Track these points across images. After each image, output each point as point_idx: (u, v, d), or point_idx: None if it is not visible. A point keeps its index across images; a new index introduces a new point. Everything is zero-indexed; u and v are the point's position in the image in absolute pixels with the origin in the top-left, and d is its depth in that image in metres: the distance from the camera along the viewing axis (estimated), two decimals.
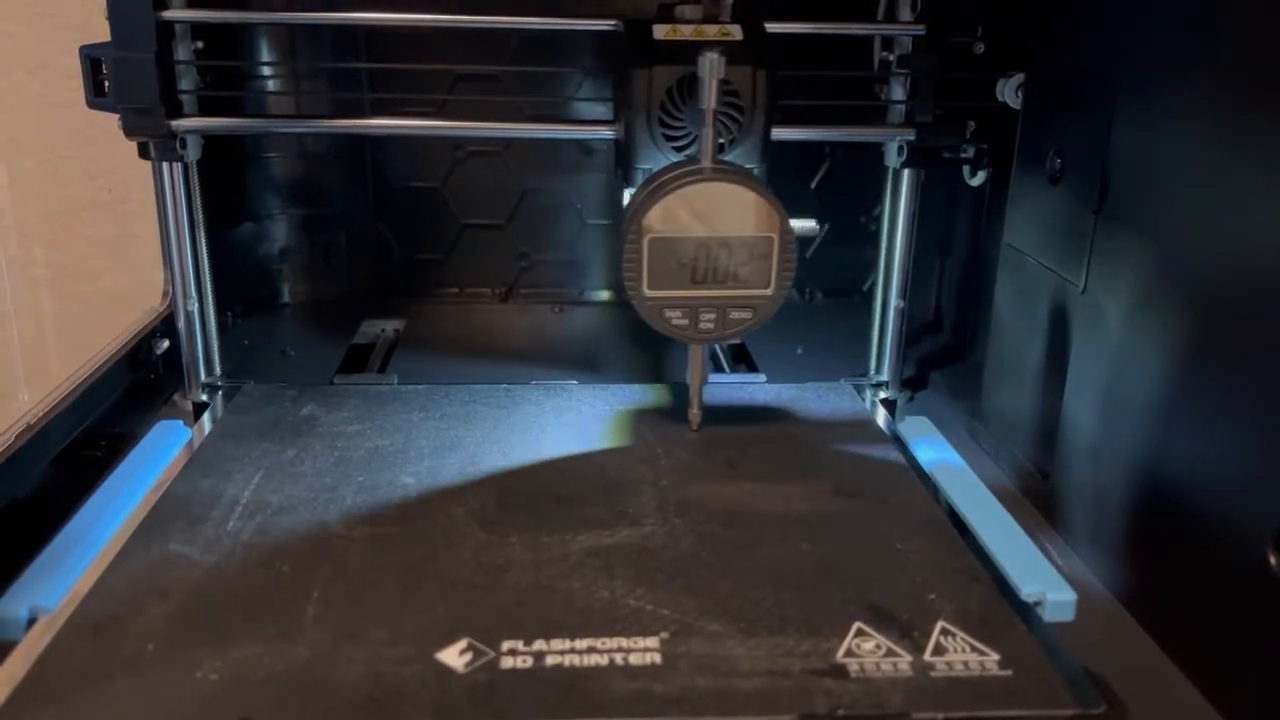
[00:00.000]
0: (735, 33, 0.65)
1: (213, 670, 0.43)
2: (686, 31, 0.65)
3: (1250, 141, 0.47)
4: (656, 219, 0.59)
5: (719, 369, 0.85)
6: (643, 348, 0.88)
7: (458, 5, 0.70)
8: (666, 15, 0.67)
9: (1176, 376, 0.52)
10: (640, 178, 0.64)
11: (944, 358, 0.88)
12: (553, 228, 0.99)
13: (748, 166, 0.64)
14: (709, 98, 0.59)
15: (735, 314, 0.62)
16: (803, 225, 0.63)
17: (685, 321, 0.62)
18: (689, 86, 0.63)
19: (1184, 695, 0.48)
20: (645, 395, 0.72)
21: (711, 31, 0.65)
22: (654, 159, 0.64)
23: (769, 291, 0.61)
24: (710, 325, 0.62)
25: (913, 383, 0.83)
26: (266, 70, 0.92)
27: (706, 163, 0.60)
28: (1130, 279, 0.57)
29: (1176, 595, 0.52)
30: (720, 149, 0.64)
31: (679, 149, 0.64)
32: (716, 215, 0.59)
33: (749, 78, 0.63)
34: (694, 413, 0.66)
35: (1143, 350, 0.55)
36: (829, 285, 1.02)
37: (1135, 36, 0.57)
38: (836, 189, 0.98)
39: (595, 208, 0.99)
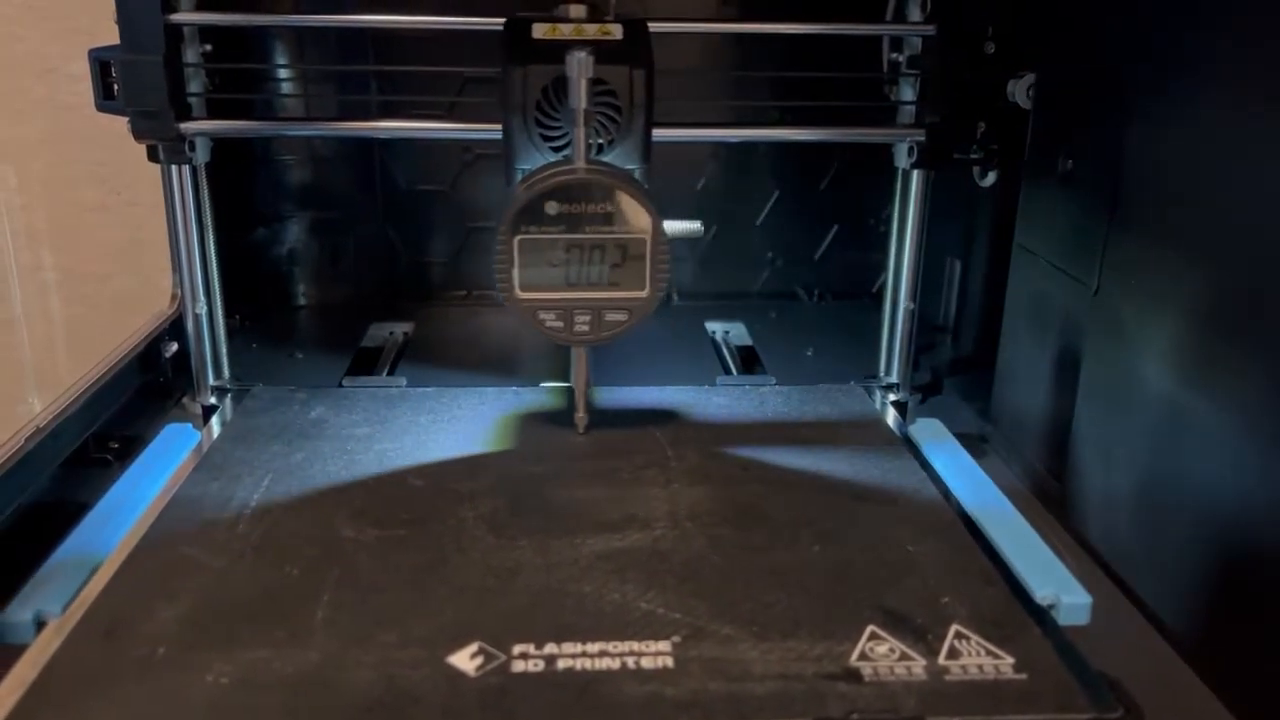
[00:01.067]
0: (616, 32, 0.64)
1: (223, 673, 0.42)
2: (566, 30, 0.64)
3: (1265, 141, 0.47)
4: (525, 219, 0.59)
5: (727, 371, 0.85)
6: (651, 351, 0.88)
7: (465, 7, 0.70)
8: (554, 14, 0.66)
9: (1190, 378, 0.52)
10: (519, 178, 0.64)
11: (955, 360, 0.87)
12: None
13: (628, 167, 0.63)
14: (578, 97, 0.58)
15: (611, 316, 0.61)
16: (684, 226, 0.63)
17: (560, 324, 0.61)
18: (565, 86, 0.62)
19: (1200, 699, 0.48)
20: (654, 398, 0.72)
21: (592, 31, 0.64)
22: (532, 159, 0.64)
23: (644, 293, 0.61)
24: (585, 327, 0.61)
25: (927, 388, 0.83)
26: (275, 73, 0.92)
27: (580, 163, 0.60)
28: (1143, 280, 0.57)
29: (1191, 598, 0.51)
30: (598, 149, 0.63)
31: (557, 149, 0.63)
32: (588, 216, 0.59)
33: (626, 77, 0.63)
34: (580, 416, 0.65)
35: (1156, 352, 0.55)
36: (839, 287, 1.02)
37: (1147, 35, 0.57)
38: (846, 190, 0.98)
39: None
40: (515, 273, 0.60)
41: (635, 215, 0.59)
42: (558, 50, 0.60)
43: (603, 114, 0.63)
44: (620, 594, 0.48)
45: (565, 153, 0.63)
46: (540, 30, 0.64)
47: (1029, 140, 0.71)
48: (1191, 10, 0.53)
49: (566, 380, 0.75)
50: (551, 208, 0.59)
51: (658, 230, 0.60)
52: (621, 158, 0.64)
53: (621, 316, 0.61)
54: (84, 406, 0.68)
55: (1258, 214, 0.47)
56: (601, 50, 0.61)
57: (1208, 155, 0.51)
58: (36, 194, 0.98)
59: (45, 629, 0.46)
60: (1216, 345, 0.50)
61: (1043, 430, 0.68)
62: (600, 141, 0.64)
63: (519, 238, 0.59)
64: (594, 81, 0.60)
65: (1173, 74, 0.55)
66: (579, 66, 0.58)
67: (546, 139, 0.63)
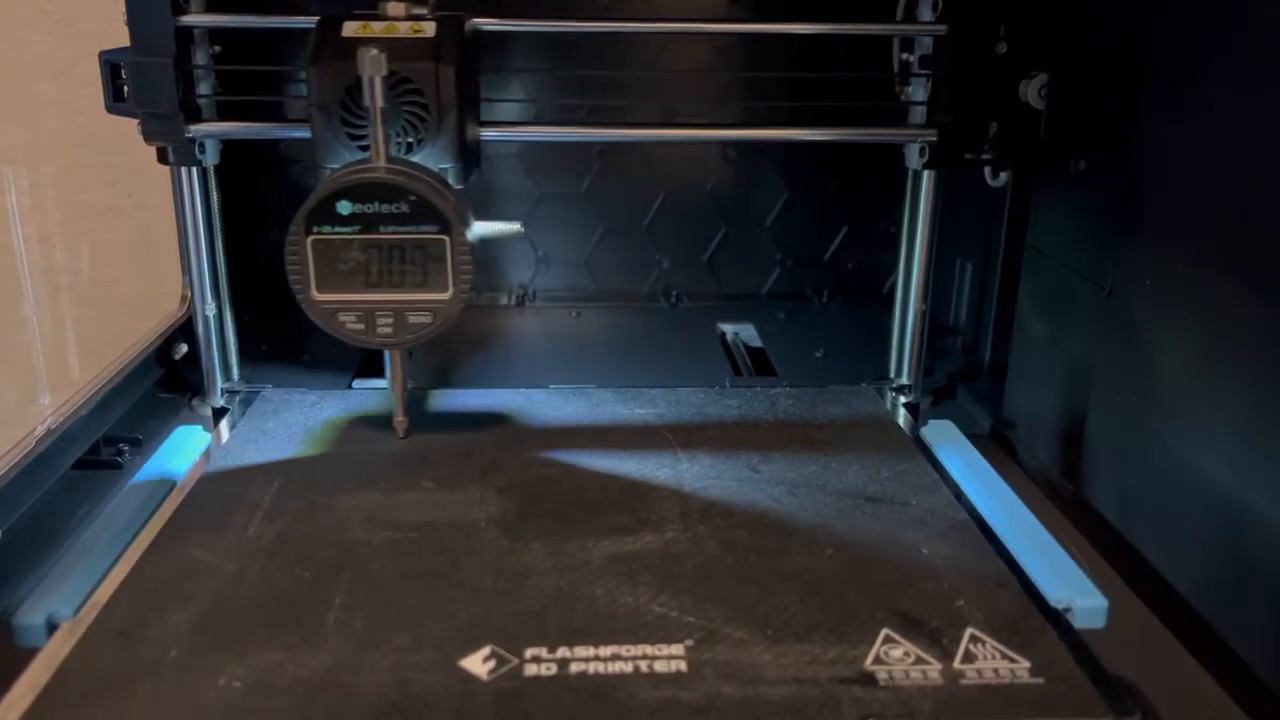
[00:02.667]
0: (428, 30, 0.63)
1: (235, 677, 0.42)
2: (378, 28, 0.63)
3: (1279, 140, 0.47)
4: (318, 219, 0.58)
5: (738, 373, 0.85)
6: (662, 351, 0.87)
7: (475, 9, 0.70)
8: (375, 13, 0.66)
9: (1205, 378, 0.52)
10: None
11: (967, 361, 0.87)
12: (570, 230, 0.99)
13: (440, 167, 0.63)
14: (372, 95, 0.57)
15: (414, 318, 0.60)
16: (500, 227, 0.63)
17: (361, 326, 0.60)
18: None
19: (1217, 703, 0.48)
20: (666, 399, 0.71)
21: (404, 28, 0.63)
22: (340, 158, 0.63)
23: (446, 295, 0.60)
24: (388, 330, 0.60)
25: (939, 390, 0.83)
26: (284, 75, 0.92)
27: (379, 162, 0.59)
28: (1157, 280, 0.56)
29: (1207, 600, 0.51)
30: (407, 149, 0.63)
31: (364, 149, 0.62)
32: (385, 217, 0.58)
33: (432, 75, 0.62)
34: (398, 420, 0.65)
35: (1169, 353, 0.54)
36: (849, 288, 1.01)
37: (1160, 35, 0.56)
38: (856, 191, 0.98)
39: (613, 210, 0.98)
40: (311, 274, 0.59)
41: (434, 216, 0.59)
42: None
43: (411, 113, 0.62)
44: (632, 597, 0.48)
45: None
46: (350, 28, 0.63)
47: (1041, 141, 0.70)
48: (1204, 9, 0.53)
49: (576, 383, 0.75)
50: (344, 208, 0.58)
51: (459, 231, 0.59)
52: (433, 157, 0.63)
53: (425, 319, 0.60)
54: (95, 408, 0.68)
55: (1272, 213, 0.47)
56: (405, 48, 0.61)
57: (1221, 155, 0.51)
58: (47, 196, 0.98)
59: (57, 631, 0.46)
60: (1231, 345, 0.50)
61: (1056, 432, 0.67)
62: (409, 140, 0.63)
63: (311, 238, 0.59)
64: (400, 80, 0.60)
65: (1185, 74, 0.54)
66: (370, 64, 0.57)
67: (354, 138, 0.63)
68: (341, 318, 0.60)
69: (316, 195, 0.58)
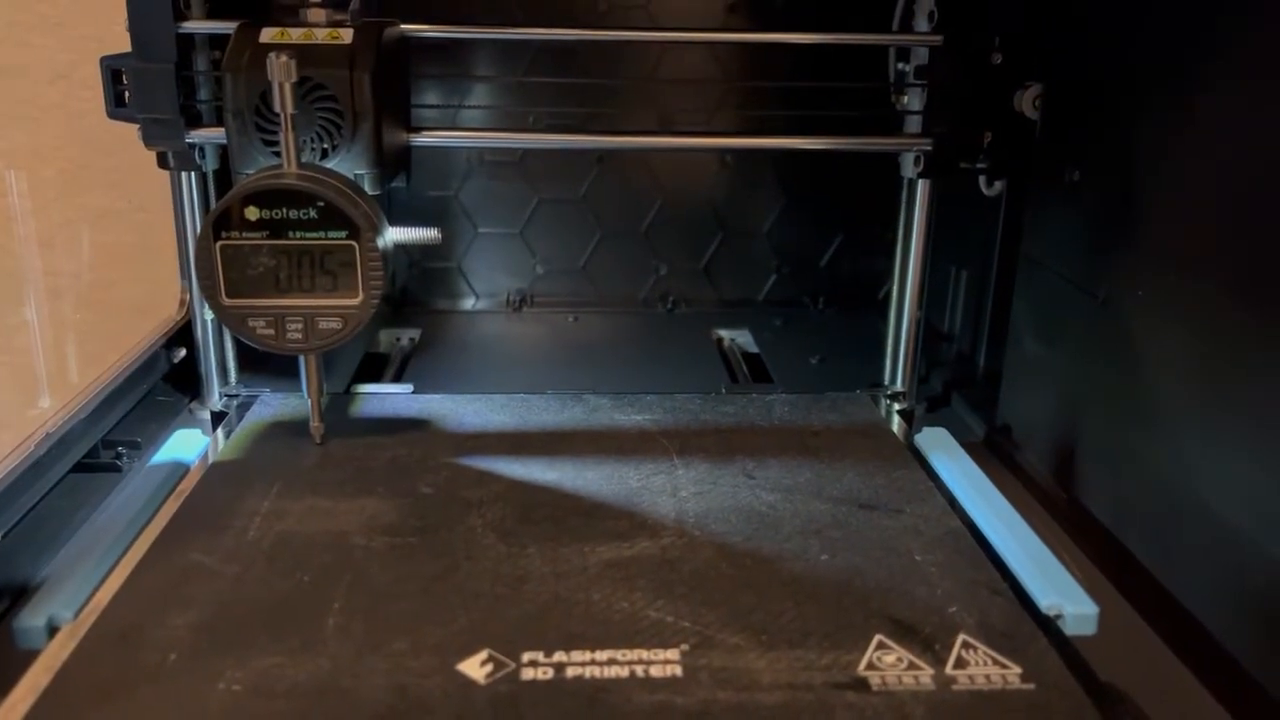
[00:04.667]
0: (345, 37, 0.64)
1: (235, 681, 0.43)
2: (296, 35, 0.64)
3: (1275, 151, 0.47)
4: (226, 224, 0.59)
5: (734, 379, 0.85)
6: (659, 357, 0.88)
7: (474, 17, 0.71)
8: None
9: (1198, 389, 0.52)
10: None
11: (961, 369, 0.87)
12: (568, 236, 0.99)
13: (356, 173, 0.63)
14: (283, 101, 0.58)
15: (324, 324, 0.61)
16: (419, 233, 0.63)
17: (271, 331, 0.61)
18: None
19: (1207, 710, 0.48)
20: (662, 405, 0.72)
21: (321, 35, 0.64)
22: (255, 164, 0.63)
23: (356, 300, 0.61)
24: (298, 335, 0.61)
25: (934, 397, 0.83)
26: None
27: (289, 168, 0.59)
28: (1150, 291, 0.57)
29: (1199, 608, 0.51)
30: (322, 154, 0.63)
31: (278, 154, 0.63)
32: (294, 222, 0.59)
33: (346, 83, 0.62)
34: (315, 425, 0.65)
35: (1163, 362, 0.55)
36: (845, 295, 1.02)
37: (1154, 46, 0.57)
38: (852, 199, 0.98)
39: (610, 216, 0.99)
40: (220, 279, 0.60)
41: (343, 221, 0.59)
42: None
43: (325, 119, 0.63)
44: (629, 602, 0.49)
45: None
46: (268, 35, 0.64)
47: (1035, 150, 0.71)
48: (1199, 20, 0.53)
49: (573, 388, 0.75)
50: (252, 213, 0.58)
51: (368, 236, 0.59)
52: (348, 163, 0.64)
53: (335, 324, 0.61)
54: (94, 411, 0.68)
55: (1267, 224, 0.47)
56: (319, 54, 0.61)
57: (1215, 165, 0.52)
58: (48, 199, 0.99)
59: (58, 635, 0.46)
60: (1225, 355, 0.50)
61: (1050, 440, 0.68)
62: (325, 146, 0.63)
63: (220, 244, 0.59)
64: (314, 86, 0.60)
65: (1181, 84, 0.55)
66: (280, 70, 0.57)
67: (268, 144, 0.63)
68: (252, 323, 0.61)
69: (224, 201, 0.59)
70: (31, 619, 0.48)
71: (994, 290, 0.83)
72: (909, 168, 0.74)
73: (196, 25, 0.68)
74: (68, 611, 0.48)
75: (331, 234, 0.59)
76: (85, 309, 1.02)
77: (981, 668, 0.44)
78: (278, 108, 0.58)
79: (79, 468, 0.66)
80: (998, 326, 0.80)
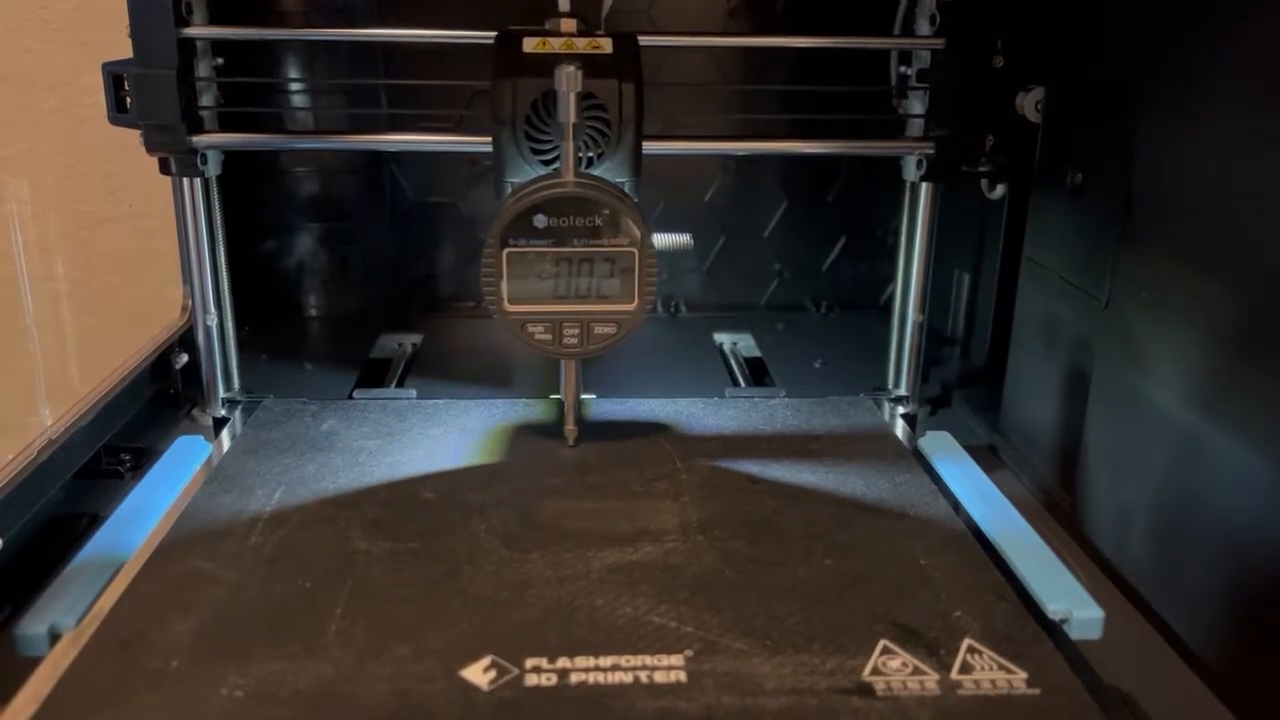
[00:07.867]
0: (606, 46, 0.64)
1: (237, 687, 0.43)
2: (556, 44, 0.64)
3: (1276, 151, 0.47)
4: (514, 232, 0.59)
5: (736, 383, 0.85)
6: (662, 362, 0.88)
7: (475, 22, 0.71)
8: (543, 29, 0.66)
9: (1202, 393, 0.52)
10: (509, 191, 0.64)
11: (964, 372, 0.87)
12: None
13: (618, 181, 0.64)
14: (567, 111, 0.59)
15: (600, 329, 0.62)
16: (673, 239, 0.63)
17: (549, 336, 0.62)
18: (554, 100, 0.62)
19: (1213, 715, 0.48)
20: (663, 409, 0.72)
21: (582, 45, 0.64)
22: (522, 172, 0.64)
23: (632, 306, 0.61)
24: (574, 340, 0.62)
25: (937, 401, 0.83)
26: (286, 86, 0.93)
27: (568, 176, 0.60)
28: (1153, 294, 0.57)
29: (1204, 612, 0.51)
30: (588, 163, 0.64)
31: (546, 163, 0.64)
32: (577, 230, 0.59)
33: (615, 92, 0.63)
34: (570, 429, 0.66)
35: (1166, 366, 0.55)
36: (847, 299, 1.02)
37: (1157, 49, 0.57)
38: (854, 203, 0.98)
39: None
40: (504, 286, 0.60)
41: (624, 229, 0.60)
42: (547, 64, 0.61)
43: (592, 128, 0.63)
44: (632, 607, 0.48)
45: (555, 166, 0.64)
46: (530, 44, 0.64)
47: (1038, 154, 0.71)
48: (1202, 22, 0.53)
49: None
50: (540, 221, 0.59)
51: (646, 243, 0.60)
52: (611, 171, 0.64)
53: (610, 329, 0.62)
54: (95, 418, 0.68)
55: (1270, 228, 0.47)
56: (591, 64, 0.61)
57: (1218, 168, 0.52)
58: (48, 205, 0.99)
59: (60, 642, 0.46)
60: (1228, 359, 0.50)
61: (1053, 443, 0.68)
62: (590, 155, 0.64)
63: (507, 251, 0.60)
64: (583, 96, 0.60)
65: (1183, 87, 0.55)
66: (567, 80, 0.58)
67: (536, 152, 0.64)
68: (530, 328, 0.61)
69: (512, 210, 0.59)
70: (33, 626, 0.47)
71: (996, 293, 0.83)
72: (911, 171, 0.73)
73: (198, 31, 0.68)
74: (70, 619, 0.48)
75: (613, 241, 0.60)
76: (87, 314, 1.01)
77: (987, 673, 0.44)
78: (562, 117, 0.59)
79: (81, 474, 0.66)
80: (1000, 329, 0.80)
